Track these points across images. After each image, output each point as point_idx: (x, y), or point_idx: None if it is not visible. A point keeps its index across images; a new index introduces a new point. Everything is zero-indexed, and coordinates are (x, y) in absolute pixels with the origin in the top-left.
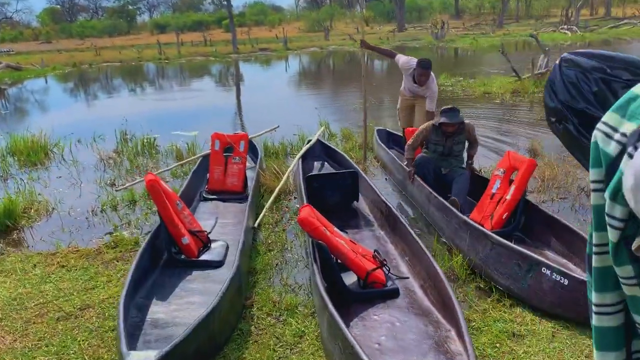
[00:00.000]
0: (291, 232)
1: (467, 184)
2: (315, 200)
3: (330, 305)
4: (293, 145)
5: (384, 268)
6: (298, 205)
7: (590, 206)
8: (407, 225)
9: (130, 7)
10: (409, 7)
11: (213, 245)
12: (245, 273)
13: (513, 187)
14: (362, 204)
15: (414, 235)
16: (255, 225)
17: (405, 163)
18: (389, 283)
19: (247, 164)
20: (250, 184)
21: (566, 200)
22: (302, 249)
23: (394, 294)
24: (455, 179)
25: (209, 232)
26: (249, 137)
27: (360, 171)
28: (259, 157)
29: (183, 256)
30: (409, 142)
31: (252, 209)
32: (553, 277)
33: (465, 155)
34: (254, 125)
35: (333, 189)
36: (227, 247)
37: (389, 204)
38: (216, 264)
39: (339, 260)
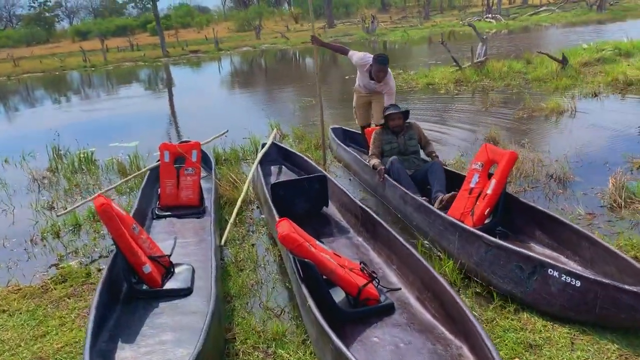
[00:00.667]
0: (261, 246)
1: (443, 173)
2: (282, 209)
3: (334, 337)
4: (245, 150)
5: (374, 281)
6: (263, 216)
7: (562, 193)
8: (390, 229)
9: (47, 14)
10: (336, 3)
11: (177, 270)
12: (222, 300)
13: (494, 181)
14: (333, 210)
15: (402, 240)
16: (222, 243)
17: (372, 164)
18: (382, 298)
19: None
20: (207, 196)
21: (537, 189)
22: (276, 264)
23: (389, 309)
24: (428, 170)
25: (170, 255)
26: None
27: (328, 175)
28: (212, 166)
29: (145, 286)
30: (370, 152)
31: (216, 225)
32: (562, 278)
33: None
34: (197, 132)
35: (300, 195)
36: (193, 271)
37: (364, 207)
38: (184, 292)
39: (323, 276)
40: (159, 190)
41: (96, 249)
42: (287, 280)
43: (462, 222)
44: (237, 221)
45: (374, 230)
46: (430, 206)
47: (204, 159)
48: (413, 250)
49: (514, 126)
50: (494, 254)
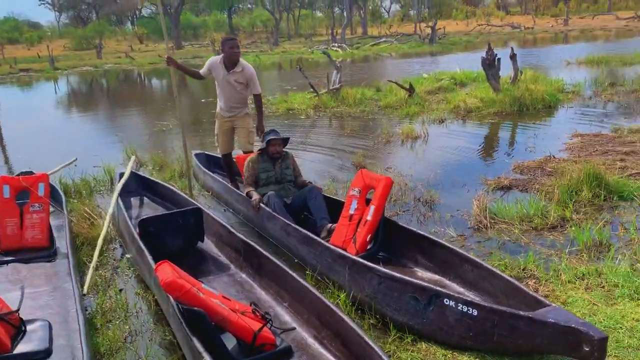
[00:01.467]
0: (130, 291)
1: (322, 198)
2: (153, 247)
3: None
4: (98, 180)
5: (268, 324)
6: (128, 255)
7: (431, 216)
8: (278, 262)
9: None
10: (183, 25)
11: (29, 327)
12: None
13: (372, 207)
14: (209, 245)
15: (293, 274)
16: (85, 291)
17: (246, 193)
18: (278, 341)
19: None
20: (57, 235)
21: (408, 212)
22: (151, 311)
23: (287, 354)
24: (307, 197)
25: (18, 310)
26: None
27: (203, 207)
28: (63, 200)
29: None
30: (245, 180)
31: (74, 270)
32: (459, 308)
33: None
34: (35, 161)
35: (173, 230)
36: (50, 327)
37: (246, 240)
38: (41, 355)
39: (213, 324)
40: None
41: None
42: (167, 329)
43: (346, 250)
44: (98, 264)
45: (259, 264)
46: (317, 237)
47: (52, 192)
48: (306, 284)
49: (376, 151)
50: (387, 285)
